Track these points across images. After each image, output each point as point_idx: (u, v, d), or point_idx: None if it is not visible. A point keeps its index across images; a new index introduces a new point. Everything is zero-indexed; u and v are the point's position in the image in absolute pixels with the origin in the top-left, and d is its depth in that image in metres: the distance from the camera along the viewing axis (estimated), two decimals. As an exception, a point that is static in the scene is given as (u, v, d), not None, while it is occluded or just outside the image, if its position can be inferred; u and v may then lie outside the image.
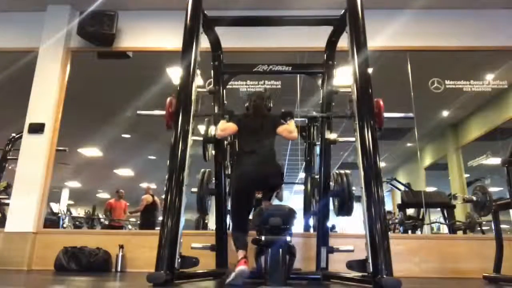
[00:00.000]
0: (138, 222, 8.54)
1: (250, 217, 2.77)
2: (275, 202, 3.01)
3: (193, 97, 2.52)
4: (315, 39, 3.45)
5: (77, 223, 8.18)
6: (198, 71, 2.63)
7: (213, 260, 3.20)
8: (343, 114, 2.87)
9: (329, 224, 3.37)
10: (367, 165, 2.18)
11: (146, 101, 4.90)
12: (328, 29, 3.19)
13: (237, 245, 2.55)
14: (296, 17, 3.43)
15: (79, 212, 9.59)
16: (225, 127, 2.80)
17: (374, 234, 2.03)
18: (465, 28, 4.52)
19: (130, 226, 7.97)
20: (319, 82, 3.41)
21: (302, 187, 4.95)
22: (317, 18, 3.28)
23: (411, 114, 3.14)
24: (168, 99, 2.60)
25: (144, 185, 8.32)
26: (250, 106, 2.92)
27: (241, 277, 2.33)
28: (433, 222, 6.07)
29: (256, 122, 2.82)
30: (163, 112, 2.62)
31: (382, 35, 4.31)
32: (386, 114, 2.59)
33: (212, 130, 3.24)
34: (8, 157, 5.27)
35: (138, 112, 3.16)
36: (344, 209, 3.10)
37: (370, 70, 2.49)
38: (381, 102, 2.57)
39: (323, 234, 3.22)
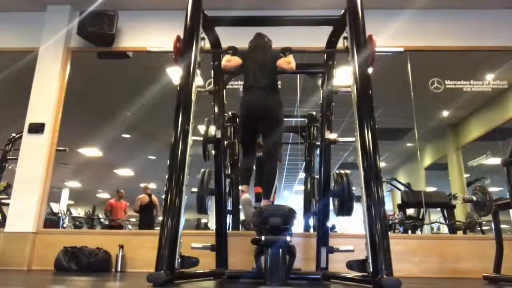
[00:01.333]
0: (138, 222, 8.55)
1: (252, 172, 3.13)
2: (276, 202, 3.01)
3: (193, 97, 2.52)
4: (315, 39, 3.45)
5: (77, 223, 8.17)
6: (198, 71, 2.63)
7: (213, 260, 3.20)
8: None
9: (329, 224, 3.37)
10: (367, 165, 2.18)
11: (146, 101, 4.90)
12: (328, 29, 3.18)
13: (241, 180, 2.95)
14: (296, 17, 3.43)
15: (79, 212, 9.58)
16: (230, 59, 2.99)
17: (374, 234, 2.03)
18: (465, 28, 4.52)
19: (130, 226, 7.97)
20: (319, 82, 3.41)
21: (302, 187, 4.95)
22: (317, 18, 3.28)
23: (401, 49, 3.15)
24: (176, 35, 2.69)
25: (144, 185, 8.32)
26: (253, 45, 3.16)
27: (247, 205, 2.78)
28: (433, 222, 6.06)
29: (258, 56, 3.04)
30: (171, 49, 2.71)
31: (382, 35, 4.31)
32: (377, 48, 2.63)
33: (212, 130, 3.24)
34: (8, 157, 5.27)
35: (149, 48, 3.30)
36: (344, 209, 3.10)
37: (370, 70, 2.49)
38: (374, 37, 2.60)
39: (323, 234, 3.21)
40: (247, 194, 2.84)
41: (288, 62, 2.92)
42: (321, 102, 3.35)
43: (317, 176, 3.50)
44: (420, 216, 5.53)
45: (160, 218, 2.42)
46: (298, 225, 4.64)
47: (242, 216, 4.10)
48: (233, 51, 3.04)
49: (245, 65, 3.01)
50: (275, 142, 2.98)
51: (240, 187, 2.95)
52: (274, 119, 2.94)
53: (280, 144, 3.34)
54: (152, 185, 7.92)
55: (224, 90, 3.48)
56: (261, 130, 3.02)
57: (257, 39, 3.20)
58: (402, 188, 6.16)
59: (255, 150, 3.13)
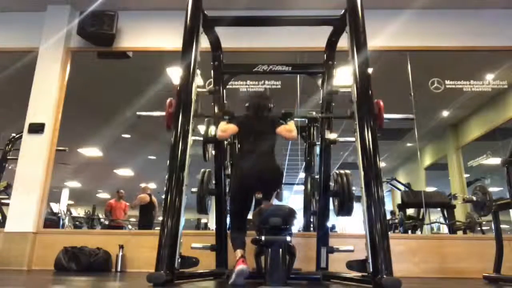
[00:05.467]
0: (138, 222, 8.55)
1: (249, 217, 2.78)
2: (275, 202, 3.00)
3: (193, 97, 2.53)
4: (315, 39, 3.45)
5: (77, 223, 8.18)
6: (198, 71, 2.64)
7: (213, 260, 3.20)
8: (343, 114, 2.87)
9: (329, 224, 3.37)
10: (367, 165, 2.19)
11: (146, 101, 4.90)
12: (328, 29, 3.18)
13: (235, 245, 2.59)
14: (296, 17, 3.43)
15: (79, 212, 9.59)
16: (226, 128, 2.79)
17: (374, 234, 2.03)
18: (465, 28, 4.52)
19: (130, 226, 7.97)
20: (319, 82, 3.41)
21: (302, 187, 4.95)
22: (317, 18, 3.28)
23: (411, 116, 3.12)
24: (168, 100, 2.60)
25: (144, 185, 8.30)
26: (251, 107, 2.92)
27: (241, 276, 2.34)
28: (433, 222, 6.06)
29: (256, 122, 2.83)
30: (163, 113, 2.62)
31: (382, 35, 4.32)
32: (386, 115, 2.59)
33: (212, 130, 3.24)
34: (8, 157, 5.27)
35: (138, 113, 3.16)
36: (344, 209, 3.10)
37: (370, 70, 2.49)
38: (381, 103, 2.57)
39: (323, 234, 3.21)
40: (243, 264, 2.38)
41: (289, 131, 2.73)
42: (321, 102, 3.35)
43: (317, 176, 3.49)
44: (420, 216, 5.53)
45: (160, 218, 2.41)
46: (298, 225, 4.64)
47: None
48: (230, 116, 2.86)
49: (242, 133, 2.81)
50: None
51: (235, 252, 2.54)
52: (273, 186, 2.77)
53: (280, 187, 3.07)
54: (152, 185, 7.92)
55: (224, 90, 3.48)
56: (262, 192, 2.75)
57: (255, 101, 2.91)
58: (402, 188, 6.16)
59: (246, 225, 2.78)
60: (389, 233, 3.02)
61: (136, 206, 7.21)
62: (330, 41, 3.25)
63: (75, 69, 4.60)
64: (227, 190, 3.32)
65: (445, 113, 6.36)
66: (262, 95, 3.03)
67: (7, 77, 4.76)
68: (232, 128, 2.79)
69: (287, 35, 4.23)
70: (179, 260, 2.19)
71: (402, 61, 4.57)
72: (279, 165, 2.79)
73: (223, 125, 2.81)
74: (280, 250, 2.14)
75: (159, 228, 2.22)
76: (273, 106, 2.97)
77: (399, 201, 5.58)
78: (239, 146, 2.93)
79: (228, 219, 3.39)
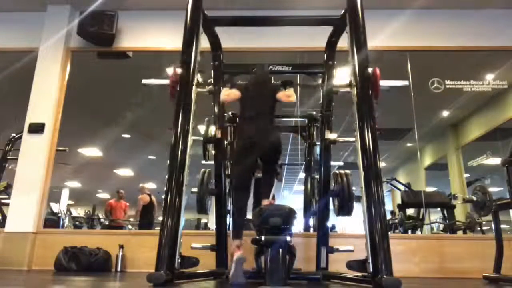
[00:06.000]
0: (138, 222, 8.54)
1: (249, 217, 2.78)
2: (275, 202, 3.01)
3: (193, 97, 2.53)
4: (315, 39, 3.45)
5: (77, 223, 8.17)
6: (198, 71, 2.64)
7: (213, 260, 3.20)
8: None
9: (329, 224, 3.37)
10: (367, 165, 2.19)
11: (146, 101, 4.90)
12: (328, 29, 3.19)
13: (234, 233, 2.66)
14: (296, 17, 3.43)
15: (79, 212, 9.58)
16: (229, 93, 2.91)
17: (374, 234, 2.03)
18: (465, 28, 4.52)
19: (130, 226, 7.96)
20: (319, 82, 3.41)
21: (302, 187, 4.95)
22: (317, 18, 3.29)
23: (406, 82, 3.11)
24: (172, 69, 2.66)
25: (144, 185, 8.28)
26: (252, 76, 3.09)
27: (240, 265, 2.40)
28: (433, 222, 6.06)
29: (257, 89, 2.95)
30: (168, 81, 2.67)
31: (382, 35, 4.31)
32: (381, 82, 2.60)
33: (212, 130, 3.24)
34: (8, 157, 5.27)
35: (144, 81, 3.22)
36: (344, 209, 3.10)
37: (370, 70, 2.49)
38: (378, 71, 2.59)
39: (323, 234, 3.22)
40: (241, 252, 2.47)
41: (287, 96, 2.86)
42: (321, 102, 3.35)
43: (317, 176, 3.49)
44: (420, 216, 5.53)
45: (160, 218, 2.41)
46: (298, 225, 4.64)
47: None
48: (232, 83, 2.99)
49: (243, 98, 2.92)
50: (274, 168, 2.93)
51: (233, 243, 2.60)
52: (274, 151, 2.84)
53: (279, 165, 3.21)
54: (152, 185, 7.92)
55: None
56: (261, 158, 2.86)
57: (256, 71, 3.14)
58: (402, 188, 6.16)
59: (249, 189, 2.86)
60: (389, 233, 3.02)
61: (140, 208, 7.19)
62: (330, 41, 3.25)
63: (75, 69, 4.60)
64: (227, 190, 3.32)
65: (445, 113, 6.36)
66: (262, 66, 3.20)
67: (7, 77, 4.76)
68: (234, 92, 2.91)
69: (287, 35, 4.23)
70: (179, 260, 2.19)
71: (402, 61, 4.57)
72: (278, 131, 2.92)
73: (226, 89, 2.93)
74: (280, 250, 2.14)
75: (159, 228, 2.22)
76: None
77: (399, 201, 5.58)
78: (240, 111, 3.02)
79: (228, 219, 3.40)
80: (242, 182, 2.81)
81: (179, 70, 2.56)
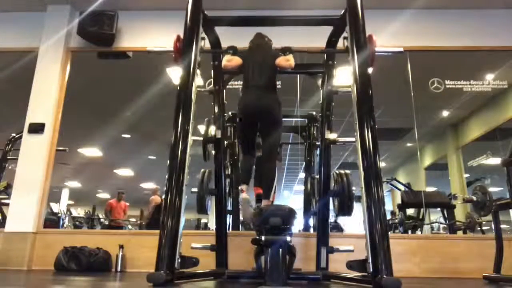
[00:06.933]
0: (138, 222, 8.54)
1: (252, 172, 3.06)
2: (276, 202, 3.01)
3: (193, 97, 2.52)
4: (315, 39, 3.45)
5: (77, 223, 8.18)
6: (198, 71, 2.63)
7: (213, 260, 3.20)
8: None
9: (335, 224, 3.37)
10: (367, 165, 2.18)
11: (146, 101, 4.90)
12: (328, 29, 3.18)
13: (241, 179, 2.95)
14: (296, 17, 3.43)
15: (79, 212, 9.58)
16: (231, 59, 2.98)
17: (374, 234, 2.03)
18: (465, 28, 4.52)
19: (130, 226, 7.97)
20: (319, 82, 3.41)
21: (302, 187, 4.95)
22: (317, 18, 3.28)
23: (401, 49, 3.09)
24: (175, 35, 2.73)
25: (144, 185, 8.29)
26: (253, 44, 3.17)
27: (246, 204, 2.78)
28: (433, 222, 6.06)
29: (258, 56, 3.03)
30: (172, 49, 2.74)
31: (382, 35, 4.31)
32: (377, 49, 2.61)
33: (212, 130, 3.24)
34: (8, 157, 5.27)
35: (149, 48, 3.25)
36: (344, 209, 3.10)
37: (370, 70, 2.49)
38: (374, 37, 2.59)
39: (323, 234, 3.21)
40: (246, 193, 2.84)
41: (286, 60, 2.92)
42: (321, 102, 3.35)
43: (317, 176, 3.49)
44: (420, 216, 5.53)
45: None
46: (298, 225, 4.64)
47: (242, 216, 4.08)
48: (233, 50, 3.04)
49: (245, 65, 3.00)
50: (274, 142, 2.98)
51: (239, 187, 2.94)
52: (272, 120, 2.94)
53: (279, 144, 3.34)
54: (152, 185, 7.92)
55: (224, 90, 3.48)
56: (260, 130, 3.01)
57: (257, 39, 3.20)
58: (402, 188, 6.16)
59: (255, 150, 3.10)
60: (389, 233, 3.02)
61: (151, 209, 7.11)
62: (330, 41, 3.24)
63: (75, 69, 4.60)
64: (227, 190, 3.33)
65: (445, 113, 6.36)
66: (263, 36, 3.24)
67: (7, 77, 4.76)
68: (236, 59, 2.99)
69: (287, 35, 4.21)
70: (179, 260, 2.19)
71: (402, 61, 4.57)
72: (279, 99, 2.98)
73: (228, 56, 3.00)
74: (280, 250, 2.14)
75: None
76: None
77: (399, 201, 5.57)
78: (243, 79, 3.09)
79: (228, 219, 3.41)
80: (247, 147, 3.05)
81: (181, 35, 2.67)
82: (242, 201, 2.83)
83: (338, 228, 8.21)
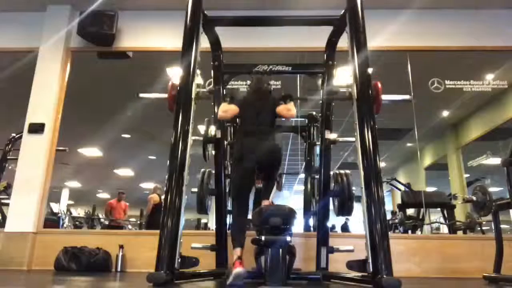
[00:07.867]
0: (138, 222, 8.54)
1: (249, 217, 2.78)
2: (275, 201, 3.00)
3: (193, 97, 2.53)
4: (315, 39, 3.45)
5: (77, 223, 8.18)
6: (198, 71, 2.64)
7: (213, 260, 3.20)
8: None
9: (329, 224, 3.37)
10: (367, 165, 2.18)
11: (146, 101, 4.88)
12: (328, 29, 3.18)
13: (234, 241, 2.54)
14: (296, 17, 3.43)
15: (79, 212, 9.59)
16: (227, 109, 2.80)
17: (374, 234, 2.03)
18: (465, 28, 4.52)
19: (130, 226, 7.97)
20: (319, 82, 3.41)
21: (302, 187, 4.95)
22: (317, 18, 3.28)
23: (409, 97, 3.08)
24: (170, 82, 2.68)
25: (144, 185, 8.28)
26: (252, 88, 3.01)
27: (239, 279, 2.31)
28: (433, 222, 6.07)
29: (256, 103, 2.85)
30: (165, 95, 2.69)
31: (382, 35, 4.31)
32: (384, 97, 2.60)
33: (212, 130, 3.24)
34: (8, 157, 5.27)
35: (140, 94, 3.21)
36: (344, 209, 3.10)
37: (370, 70, 2.49)
38: (379, 85, 2.57)
39: (323, 234, 3.22)
40: (240, 266, 2.31)
41: (288, 109, 2.75)
42: (321, 102, 3.35)
43: (317, 176, 3.49)
44: (420, 216, 5.53)
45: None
46: (298, 225, 4.63)
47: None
48: (230, 98, 2.89)
49: (243, 112, 2.83)
50: (274, 182, 2.88)
51: (234, 250, 2.47)
52: (275, 165, 2.77)
53: (280, 174, 3.10)
54: (152, 185, 7.91)
55: (224, 90, 3.48)
56: (260, 170, 2.76)
57: (256, 84, 2.98)
58: (402, 188, 6.16)
59: (248, 208, 2.76)
60: (389, 233, 3.02)
61: (150, 208, 7.03)
62: (330, 41, 3.25)
63: (75, 69, 4.60)
64: (227, 190, 3.32)
65: (445, 113, 6.36)
66: (262, 78, 3.06)
67: (7, 77, 4.76)
68: (233, 108, 2.80)
69: (287, 35, 4.23)
70: (179, 260, 2.19)
71: (402, 61, 4.57)
72: (278, 144, 2.78)
73: (224, 105, 2.84)
74: (280, 250, 2.14)
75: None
76: (273, 89, 3.06)
77: (399, 201, 5.58)
78: (239, 125, 2.95)
79: (228, 219, 3.40)
80: (241, 202, 2.72)
81: (176, 82, 2.56)
82: (235, 276, 2.28)
83: (347, 229, 8.23)
